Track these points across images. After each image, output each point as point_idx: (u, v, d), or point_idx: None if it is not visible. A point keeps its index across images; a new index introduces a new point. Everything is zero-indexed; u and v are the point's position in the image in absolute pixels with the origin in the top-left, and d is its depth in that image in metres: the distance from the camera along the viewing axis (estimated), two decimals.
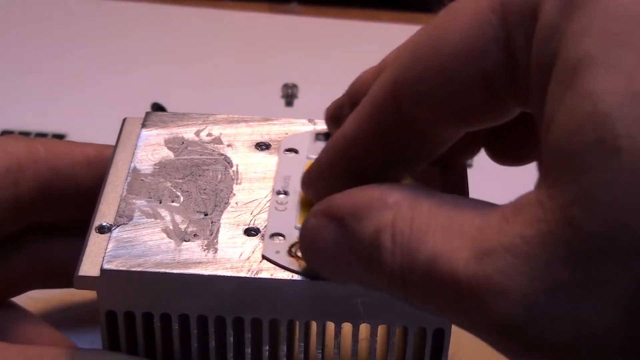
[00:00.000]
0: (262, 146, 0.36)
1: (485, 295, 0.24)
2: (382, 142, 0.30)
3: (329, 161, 0.31)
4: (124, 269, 0.31)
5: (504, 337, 0.24)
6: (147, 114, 0.38)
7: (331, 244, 0.29)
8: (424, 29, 0.28)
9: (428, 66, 0.27)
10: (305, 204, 0.33)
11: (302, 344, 0.32)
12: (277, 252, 0.31)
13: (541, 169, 0.24)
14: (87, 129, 0.41)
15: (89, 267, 0.31)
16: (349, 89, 0.34)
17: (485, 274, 0.24)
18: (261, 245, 0.32)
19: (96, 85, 0.55)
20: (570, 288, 0.23)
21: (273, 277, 0.31)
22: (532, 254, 0.23)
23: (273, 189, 0.34)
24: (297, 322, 0.32)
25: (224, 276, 0.31)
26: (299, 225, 0.32)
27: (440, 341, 0.32)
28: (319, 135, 0.37)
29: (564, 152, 0.23)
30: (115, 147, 0.36)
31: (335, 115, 0.34)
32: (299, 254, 0.31)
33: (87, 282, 0.31)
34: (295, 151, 0.36)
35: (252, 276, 0.31)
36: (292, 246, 0.32)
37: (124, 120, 0.37)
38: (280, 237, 0.32)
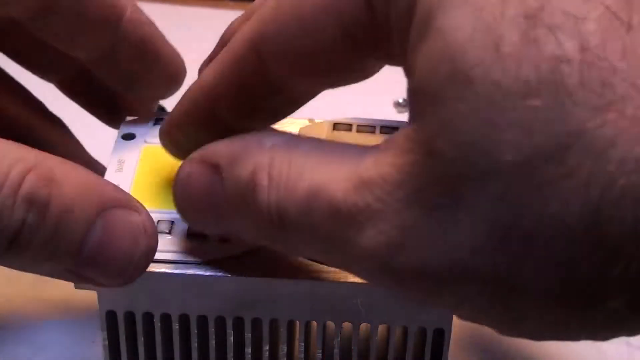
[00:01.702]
0: None
1: (364, 220, 0.25)
2: (242, 92, 0.29)
3: (185, 109, 0.31)
4: None
5: (380, 263, 0.25)
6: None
7: (206, 192, 0.29)
8: None
9: (289, 21, 0.27)
10: None
11: (303, 344, 0.32)
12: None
13: (410, 112, 0.25)
14: (87, 129, 0.41)
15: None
16: (220, 40, 0.34)
17: (364, 201, 0.25)
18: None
19: None
20: (440, 212, 0.23)
21: (273, 277, 0.31)
22: (404, 182, 0.24)
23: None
24: (297, 322, 0.32)
25: (224, 276, 0.31)
26: None
27: (440, 341, 0.32)
28: (158, 120, 0.36)
29: (423, 90, 0.23)
30: (114, 148, 0.36)
31: None
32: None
33: None
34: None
35: (253, 276, 0.31)
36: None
37: (124, 120, 0.37)
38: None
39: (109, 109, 0.39)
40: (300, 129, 0.36)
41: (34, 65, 0.38)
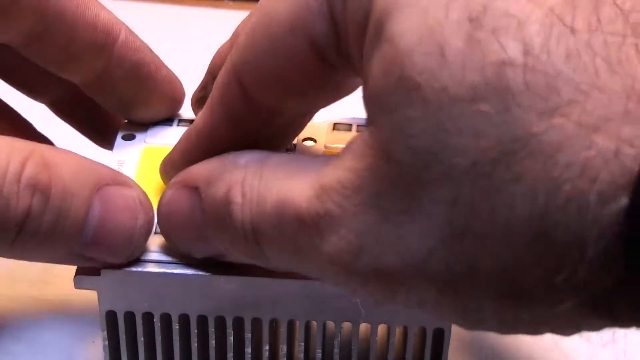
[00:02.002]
0: None
1: (325, 227, 0.25)
2: (235, 127, 0.30)
3: (183, 152, 0.31)
4: (124, 268, 0.31)
5: (342, 267, 0.25)
6: None
7: (187, 214, 0.29)
8: (258, 9, 0.29)
9: (262, 45, 0.28)
10: None
11: (302, 344, 0.32)
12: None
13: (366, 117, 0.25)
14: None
15: (88, 267, 0.31)
16: (209, 67, 0.34)
17: (324, 208, 0.25)
18: None
19: None
20: (397, 216, 0.23)
21: (273, 277, 0.31)
22: (362, 186, 0.24)
23: None
24: (297, 322, 0.32)
25: (224, 276, 0.31)
26: None
27: (440, 341, 0.32)
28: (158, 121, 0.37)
29: (376, 96, 0.24)
30: (114, 148, 0.36)
31: (201, 97, 0.34)
32: None
33: (87, 282, 0.31)
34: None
35: (253, 276, 0.31)
36: None
37: (123, 122, 0.37)
38: None
39: (101, 129, 0.39)
40: None
41: (24, 86, 0.38)
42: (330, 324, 0.32)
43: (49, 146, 0.29)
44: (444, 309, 0.24)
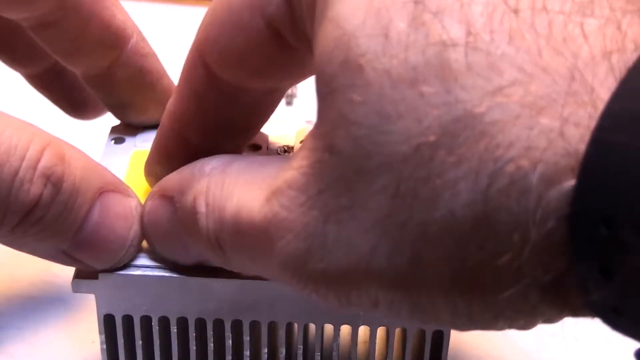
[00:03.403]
0: (255, 147, 0.35)
1: (274, 233, 0.24)
2: (201, 109, 0.30)
3: (158, 145, 0.32)
4: (121, 272, 0.30)
5: (293, 273, 0.25)
6: None
7: (167, 224, 0.29)
8: None
9: (223, 23, 0.28)
10: None
11: (301, 347, 0.32)
12: None
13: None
14: (84, 129, 0.41)
15: (86, 270, 0.31)
16: None
17: (273, 212, 0.24)
18: None
19: None
20: (339, 214, 0.23)
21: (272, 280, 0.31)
22: (307, 184, 0.23)
23: None
24: (296, 325, 0.32)
25: (222, 279, 0.31)
26: None
27: (439, 343, 0.32)
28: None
29: (320, 79, 0.23)
30: (104, 152, 0.35)
31: None
32: None
33: (85, 286, 0.31)
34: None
35: (251, 279, 0.30)
36: None
37: (113, 126, 0.37)
38: None
39: (76, 103, 0.39)
40: (298, 131, 0.36)
41: (5, 55, 0.38)
42: (329, 327, 0.32)
43: (63, 140, 0.29)
44: (398, 307, 0.24)
